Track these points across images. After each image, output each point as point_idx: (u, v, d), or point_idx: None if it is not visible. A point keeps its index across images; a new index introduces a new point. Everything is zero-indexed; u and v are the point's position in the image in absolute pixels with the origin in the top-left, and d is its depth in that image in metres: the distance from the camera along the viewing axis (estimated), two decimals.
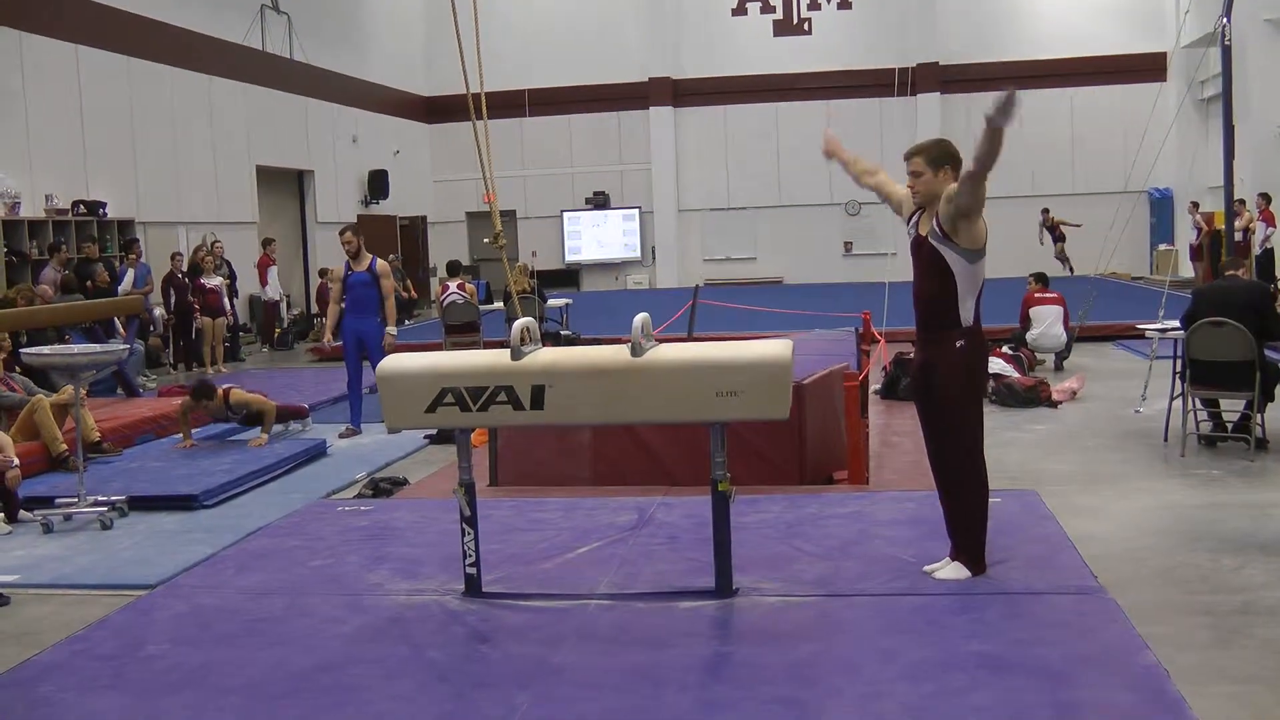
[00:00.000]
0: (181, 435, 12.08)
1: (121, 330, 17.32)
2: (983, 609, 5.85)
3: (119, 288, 17.97)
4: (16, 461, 9.26)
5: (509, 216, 33.07)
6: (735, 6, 34.63)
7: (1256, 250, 22.78)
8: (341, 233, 13.26)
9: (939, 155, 6.34)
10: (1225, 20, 18.87)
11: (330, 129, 28.53)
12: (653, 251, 34.89)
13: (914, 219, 6.45)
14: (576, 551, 7.21)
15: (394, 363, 6.40)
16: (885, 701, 4.85)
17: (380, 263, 13.04)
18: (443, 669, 5.42)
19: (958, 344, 6.18)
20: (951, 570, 6.35)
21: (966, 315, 6.22)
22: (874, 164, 7.05)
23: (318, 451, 11.78)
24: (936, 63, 33.25)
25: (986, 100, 5.92)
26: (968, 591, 6.12)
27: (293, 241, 27.62)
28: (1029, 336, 15.74)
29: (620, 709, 4.90)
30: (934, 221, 6.22)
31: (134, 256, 18.90)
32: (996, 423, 12.36)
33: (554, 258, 34.55)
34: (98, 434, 11.62)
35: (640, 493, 8.71)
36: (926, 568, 6.45)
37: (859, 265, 33.37)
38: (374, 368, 6.57)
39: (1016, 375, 13.72)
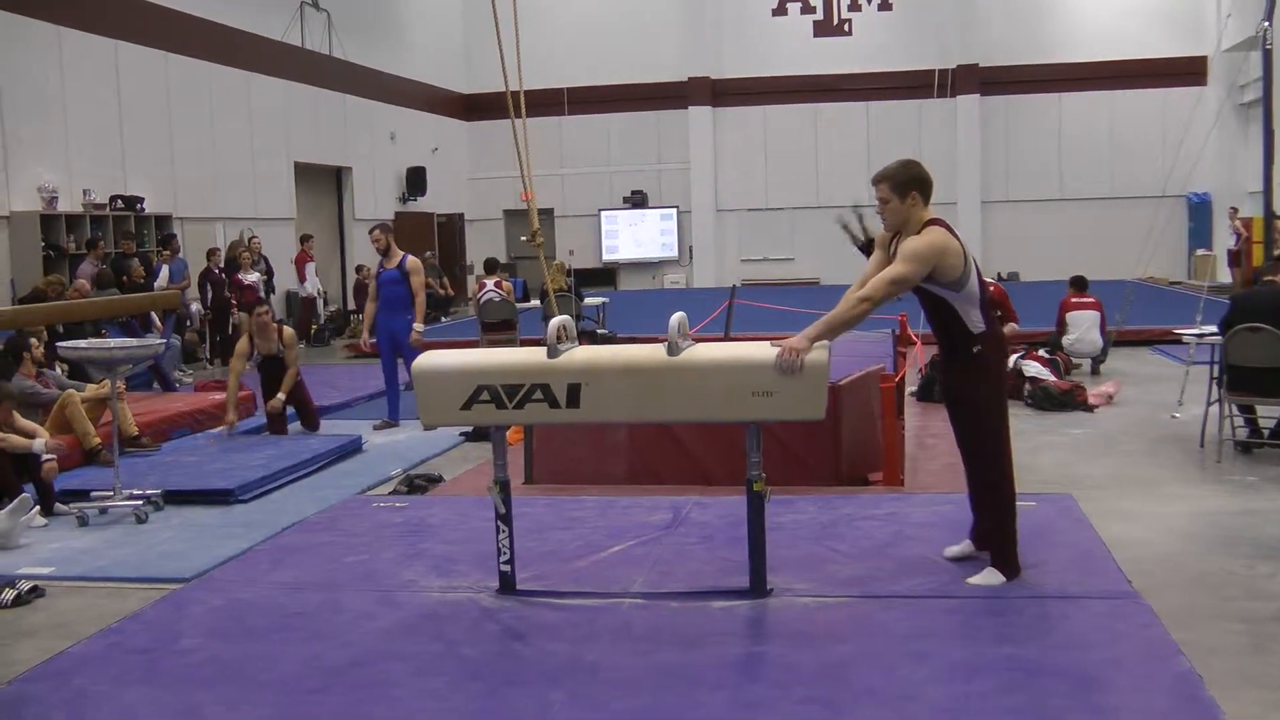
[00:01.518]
0: (225, 422, 12.21)
1: (158, 325, 17.40)
2: (1017, 612, 5.84)
3: (155, 284, 18.02)
4: (56, 442, 9.34)
5: (546, 215, 33.11)
6: (775, 7, 34.52)
7: None
8: (370, 231, 13.41)
9: (904, 181, 6.32)
10: (1267, 24, 18.76)
11: (368, 126, 28.57)
12: (690, 251, 34.81)
13: (892, 250, 6.42)
14: (611, 550, 7.22)
15: (430, 360, 6.41)
16: (918, 703, 4.85)
17: (411, 260, 13.12)
18: (476, 666, 5.44)
19: (975, 349, 6.22)
20: (986, 576, 6.34)
21: (975, 324, 6.25)
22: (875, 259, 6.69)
23: (353, 448, 11.80)
24: (976, 64, 33.08)
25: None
26: (1002, 595, 6.10)
27: (330, 238, 27.69)
28: (1065, 342, 15.65)
29: (653, 708, 4.91)
30: None
31: (168, 253, 18.94)
32: (1032, 426, 12.32)
33: (591, 256, 34.56)
34: (136, 429, 11.66)
35: (675, 492, 8.71)
36: (969, 580, 6.41)
37: None
38: (407, 365, 6.59)
39: (1053, 379, 13.67)
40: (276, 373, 12.47)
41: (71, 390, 11.44)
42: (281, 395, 12.39)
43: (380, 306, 13.13)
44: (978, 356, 6.25)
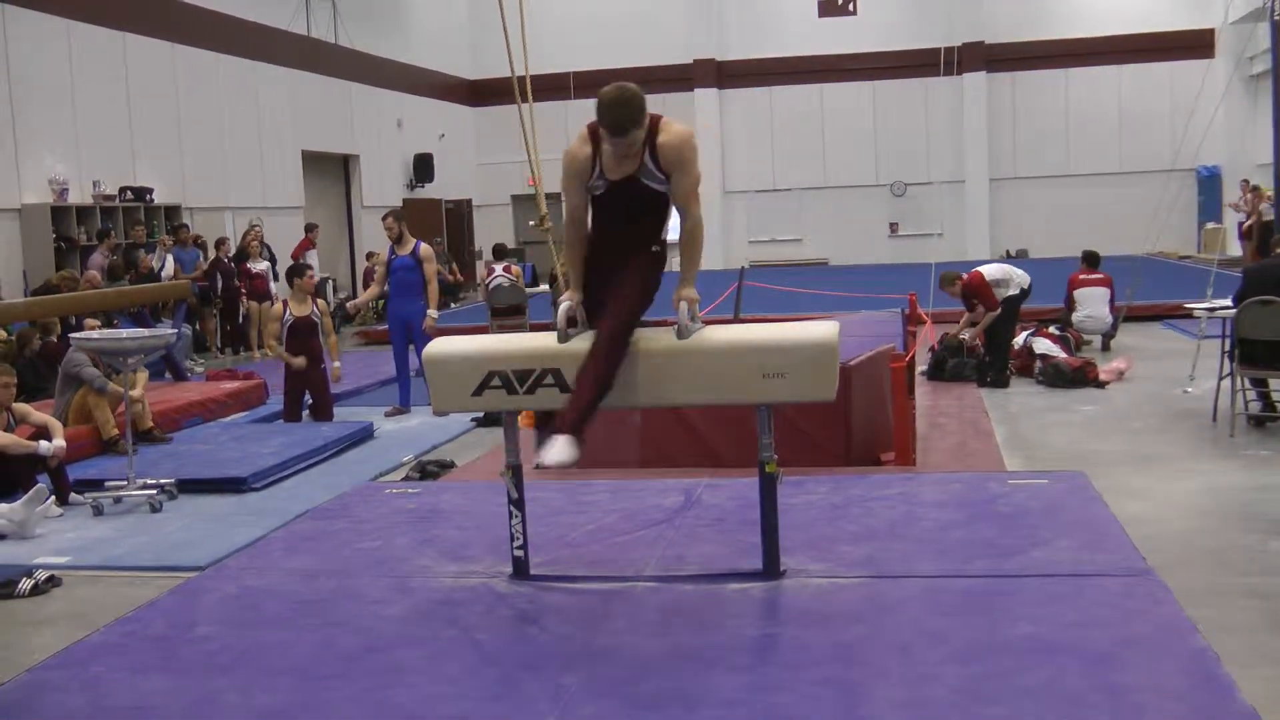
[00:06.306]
0: (293, 362, 12.43)
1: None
2: (1031, 591, 5.83)
3: (162, 274, 18.02)
4: (62, 444, 9.36)
5: (554, 199, 32.93)
6: None
7: None
8: (384, 218, 13.45)
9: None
10: None
11: (375, 113, 28.56)
12: None
13: (598, 169, 6.04)
14: (624, 533, 7.22)
15: (441, 346, 6.40)
16: (934, 683, 4.84)
17: (424, 247, 13.22)
18: (490, 651, 5.44)
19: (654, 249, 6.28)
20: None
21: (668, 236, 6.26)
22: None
23: (365, 434, 11.83)
24: (982, 41, 32.99)
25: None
26: (1016, 573, 6.09)
27: (339, 226, 27.73)
28: (1074, 318, 15.64)
29: (668, 690, 4.90)
30: (649, 164, 5.97)
31: (172, 241, 18.91)
32: (1044, 403, 12.33)
33: None
34: (150, 421, 11.68)
35: (686, 474, 8.70)
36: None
37: (905, 246, 33.27)
38: (418, 352, 6.58)
39: (1064, 356, 13.66)
40: (304, 339, 12.43)
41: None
42: (337, 364, 12.78)
43: (393, 293, 13.22)
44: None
